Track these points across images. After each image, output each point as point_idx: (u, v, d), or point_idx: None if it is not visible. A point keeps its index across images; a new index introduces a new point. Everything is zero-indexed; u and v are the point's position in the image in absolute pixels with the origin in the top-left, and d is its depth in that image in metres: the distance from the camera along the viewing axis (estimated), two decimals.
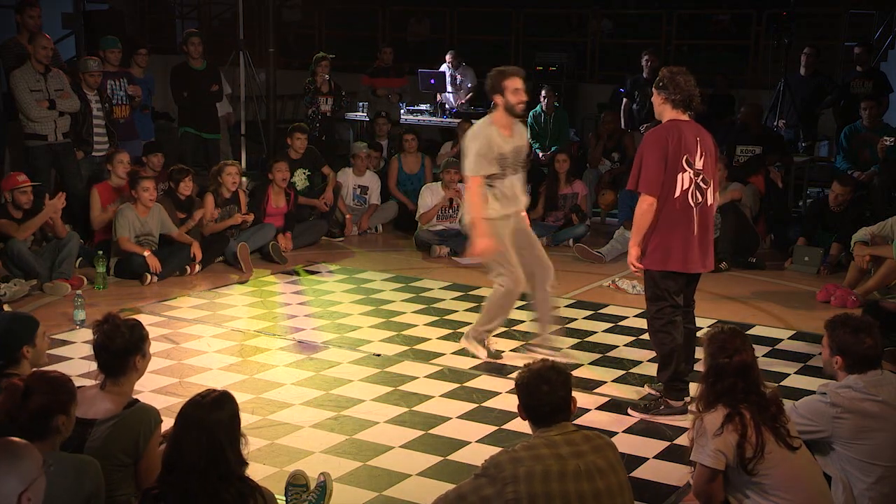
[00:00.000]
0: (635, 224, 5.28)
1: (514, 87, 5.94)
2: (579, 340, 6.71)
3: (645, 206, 5.16)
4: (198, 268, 8.24)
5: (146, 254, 7.89)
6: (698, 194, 5.18)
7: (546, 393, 3.29)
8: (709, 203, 5.27)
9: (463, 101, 12.80)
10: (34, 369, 3.98)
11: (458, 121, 11.97)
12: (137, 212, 8.02)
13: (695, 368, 5.34)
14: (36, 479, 2.73)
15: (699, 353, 4.36)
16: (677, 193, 5.13)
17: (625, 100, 11.74)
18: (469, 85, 12.91)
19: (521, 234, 6.20)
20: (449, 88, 12.87)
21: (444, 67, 12.99)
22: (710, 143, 5.32)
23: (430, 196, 9.47)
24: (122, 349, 3.70)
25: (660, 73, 5.33)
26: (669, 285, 5.27)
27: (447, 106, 12.72)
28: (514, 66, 6.22)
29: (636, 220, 5.25)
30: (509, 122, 6.03)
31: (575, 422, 3.39)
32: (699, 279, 5.52)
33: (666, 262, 5.22)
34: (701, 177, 5.19)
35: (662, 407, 5.36)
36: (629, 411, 5.41)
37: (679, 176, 5.12)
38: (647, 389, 5.73)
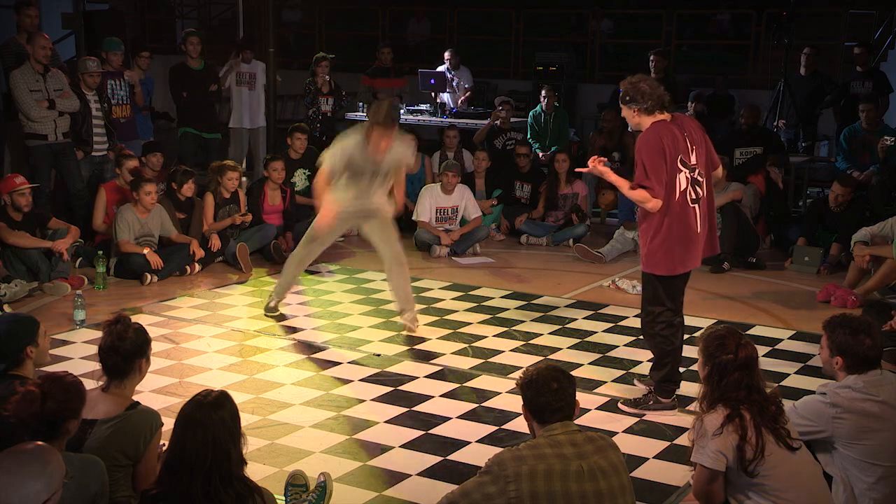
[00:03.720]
0: (636, 195, 5.14)
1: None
2: (579, 340, 6.70)
3: (650, 206, 5.08)
4: (198, 268, 8.24)
5: (146, 251, 7.89)
6: (695, 191, 5.18)
7: (556, 391, 3.31)
8: (706, 194, 5.24)
9: (463, 100, 12.78)
10: (39, 370, 4.00)
11: (458, 121, 11.97)
12: (137, 213, 8.02)
13: (690, 368, 5.33)
14: (58, 490, 2.74)
15: (690, 351, 4.36)
16: (676, 196, 5.11)
17: None
18: (466, 86, 12.89)
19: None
20: (446, 89, 12.85)
21: (442, 66, 12.98)
22: (698, 134, 5.26)
23: (429, 198, 9.45)
24: (130, 351, 3.71)
25: (622, 89, 5.27)
26: (672, 288, 5.28)
27: (447, 106, 12.71)
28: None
29: (637, 197, 5.12)
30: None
31: (575, 422, 3.39)
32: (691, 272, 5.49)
33: (673, 268, 5.21)
34: (697, 171, 5.18)
35: (652, 402, 5.39)
36: (620, 406, 5.43)
37: (677, 177, 5.10)
38: (637, 384, 5.78)
